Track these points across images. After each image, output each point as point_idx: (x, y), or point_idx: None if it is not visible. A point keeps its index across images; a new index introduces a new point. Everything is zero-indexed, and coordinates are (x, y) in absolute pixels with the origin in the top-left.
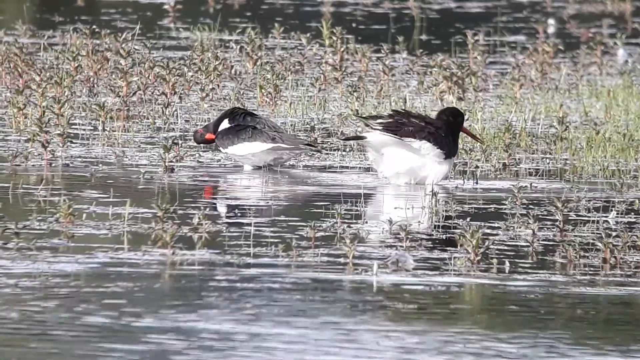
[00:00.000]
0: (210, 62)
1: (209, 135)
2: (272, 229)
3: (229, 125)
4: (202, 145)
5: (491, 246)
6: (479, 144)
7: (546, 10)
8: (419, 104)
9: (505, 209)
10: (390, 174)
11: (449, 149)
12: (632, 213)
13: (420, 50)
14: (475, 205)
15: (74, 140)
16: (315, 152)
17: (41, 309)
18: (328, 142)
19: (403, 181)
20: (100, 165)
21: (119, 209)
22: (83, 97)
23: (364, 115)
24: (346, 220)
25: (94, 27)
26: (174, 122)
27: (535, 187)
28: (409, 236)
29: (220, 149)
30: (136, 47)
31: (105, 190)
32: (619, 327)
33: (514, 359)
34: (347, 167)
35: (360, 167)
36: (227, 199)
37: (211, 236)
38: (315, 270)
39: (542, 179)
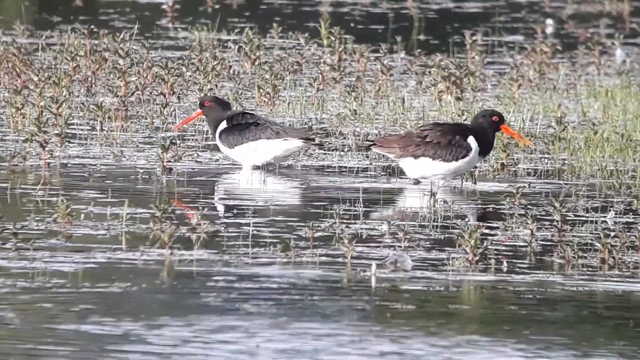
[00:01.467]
0: (209, 62)
1: (197, 113)
2: (270, 229)
3: (226, 126)
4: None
5: (489, 246)
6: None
7: (544, 10)
8: (417, 104)
9: (503, 209)
10: (412, 177)
11: (454, 154)
12: (631, 213)
13: (419, 50)
14: (473, 205)
15: (72, 140)
16: (317, 146)
17: (39, 309)
18: (326, 142)
19: (422, 179)
20: (99, 165)
21: (117, 209)
22: (81, 97)
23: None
24: (345, 221)
25: (92, 27)
26: (172, 122)
27: (534, 187)
28: (407, 236)
29: (226, 148)
30: (134, 47)
31: (103, 191)
32: (617, 327)
33: (512, 358)
34: (345, 167)
35: (358, 168)
36: (225, 199)
37: (209, 236)
38: (314, 270)
39: (541, 178)
